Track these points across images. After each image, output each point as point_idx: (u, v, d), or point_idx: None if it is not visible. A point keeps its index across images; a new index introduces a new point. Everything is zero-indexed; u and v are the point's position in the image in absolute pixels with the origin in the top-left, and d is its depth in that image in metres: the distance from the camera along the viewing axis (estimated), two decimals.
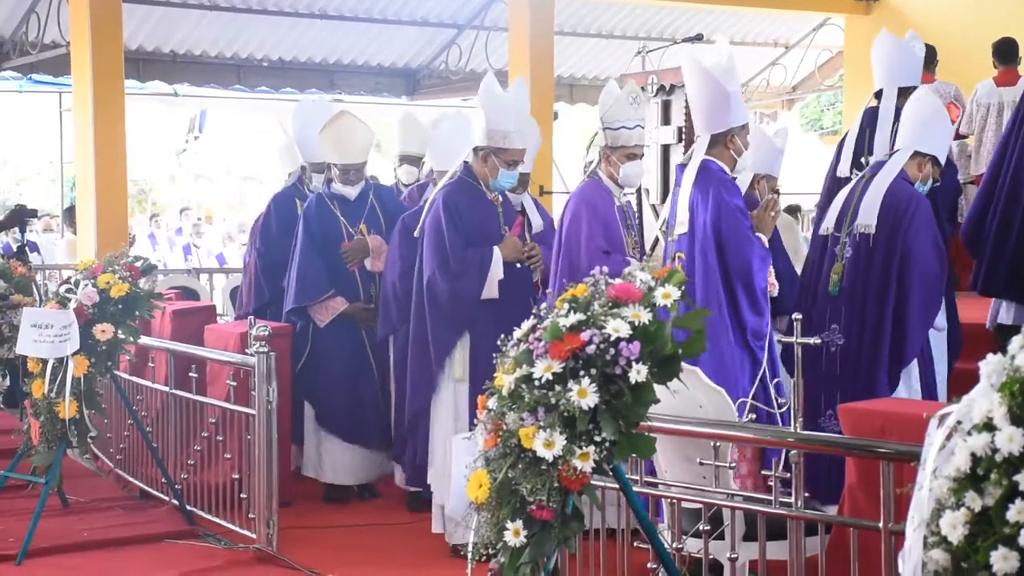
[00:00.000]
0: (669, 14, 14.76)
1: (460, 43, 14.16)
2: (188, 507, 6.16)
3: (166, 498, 6.36)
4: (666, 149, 6.48)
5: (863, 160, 6.30)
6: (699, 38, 8.41)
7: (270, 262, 7.18)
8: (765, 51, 15.88)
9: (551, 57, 11.75)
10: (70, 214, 12.95)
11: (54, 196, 18.87)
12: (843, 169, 6.39)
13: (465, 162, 5.94)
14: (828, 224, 5.62)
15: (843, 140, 6.53)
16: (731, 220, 5.09)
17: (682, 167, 5.37)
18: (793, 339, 4.10)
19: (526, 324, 3.42)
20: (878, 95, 6.38)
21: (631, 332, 3.21)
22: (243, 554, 5.65)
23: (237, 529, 5.81)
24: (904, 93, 6.20)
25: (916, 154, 5.52)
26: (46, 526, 5.78)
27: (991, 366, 2.21)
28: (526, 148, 5.99)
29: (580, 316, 3.27)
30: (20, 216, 9.14)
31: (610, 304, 3.30)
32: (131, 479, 6.80)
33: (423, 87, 14.85)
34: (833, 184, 6.41)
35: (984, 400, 2.18)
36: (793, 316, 4.18)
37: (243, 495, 5.83)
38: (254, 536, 5.66)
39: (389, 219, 6.79)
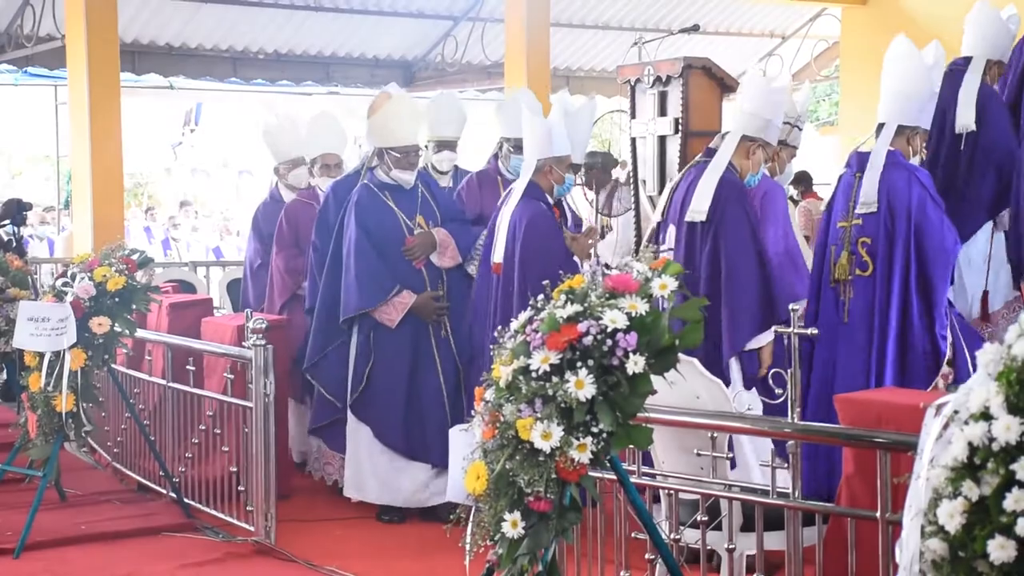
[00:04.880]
0: (665, 5, 14.77)
1: (456, 35, 14.16)
2: (186, 500, 6.16)
3: (164, 491, 6.36)
4: (662, 140, 6.43)
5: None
6: (695, 29, 8.38)
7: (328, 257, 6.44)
8: (761, 42, 15.89)
9: (547, 49, 11.74)
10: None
11: (50, 189, 18.83)
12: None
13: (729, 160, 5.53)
14: None
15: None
16: (934, 210, 5.11)
17: (859, 154, 5.35)
18: (790, 329, 4.10)
19: (523, 315, 3.41)
20: (966, 60, 6.28)
21: (628, 323, 3.21)
22: (241, 547, 5.65)
23: (235, 522, 5.81)
24: (990, 67, 6.22)
25: None
26: (44, 519, 5.78)
27: (988, 355, 2.21)
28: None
29: (577, 307, 3.27)
30: (16, 210, 9.12)
31: (607, 295, 3.30)
32: (129, 472, 6.80)
33: (419, 79, 14.84)
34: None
35: (981, 389, 2.19)
36: (790, 307, 4.17)
37: (241, 488, 5.83)
38: (252, 528, 5.67)
39: (443, 209, 6.30)
